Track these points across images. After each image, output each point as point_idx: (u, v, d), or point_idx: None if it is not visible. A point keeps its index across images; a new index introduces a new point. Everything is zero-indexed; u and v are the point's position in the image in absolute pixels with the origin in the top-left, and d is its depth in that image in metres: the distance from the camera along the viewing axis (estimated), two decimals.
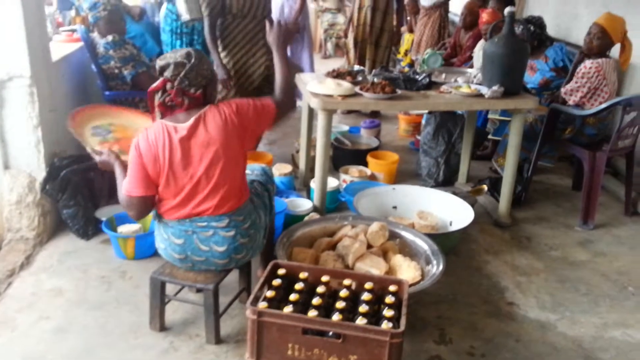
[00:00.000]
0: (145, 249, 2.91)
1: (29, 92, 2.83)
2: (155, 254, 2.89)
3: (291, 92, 2.39)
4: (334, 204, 3.57)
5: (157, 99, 2.19)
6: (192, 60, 2.16)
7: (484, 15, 4.80)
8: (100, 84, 3.31)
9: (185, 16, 3.74)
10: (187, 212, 2.19)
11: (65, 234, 3.11)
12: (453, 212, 3.19)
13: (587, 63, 3.45)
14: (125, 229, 2.95)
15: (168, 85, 2.16)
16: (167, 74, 2.16)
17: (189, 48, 2.29)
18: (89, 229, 3.08)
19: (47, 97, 2.95)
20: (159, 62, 2.21)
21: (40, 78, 2.88)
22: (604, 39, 3.45)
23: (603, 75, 3.41)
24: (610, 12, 3.59)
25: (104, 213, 3.13)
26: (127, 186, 2.17)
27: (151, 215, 3.02)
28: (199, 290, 2.57)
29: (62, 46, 3.47)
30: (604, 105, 3.34)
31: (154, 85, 2.19)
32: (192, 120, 2.14)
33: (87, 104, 3.59)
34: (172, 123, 2.15)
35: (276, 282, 2.03)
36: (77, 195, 3.06)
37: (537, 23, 4.21)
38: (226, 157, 2.15)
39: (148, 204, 2.22)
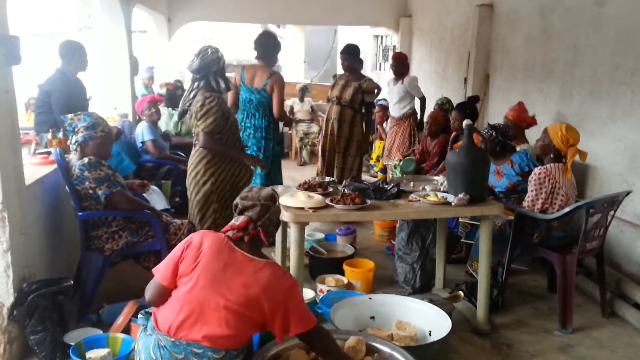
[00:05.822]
0: None
1: (0, 217, 2.83)
2: None
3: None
4: None
5: (233, 233, 2.23)
6: (276, 203, 2.27)
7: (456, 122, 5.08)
8: (74, 205, 3.32)
9: None
10: (189, 334, 2.14)
11: None
12: (431, 321, 3.14)
13: (536, 170, 3.58)
14: (93, 354, 2.84)
15: (250, 226, 2.22)
16: (252, 214, 2.23)
17: (272, 189, 2.36)
18: (57, 355, 2.96)
19: (18, 221, 2.94)
20: (242, 201, 2.28)
21: (12, 203, 2.88)
22: (548, 142, 3.61)
23: (554, 178, 3.52)
24: (560, 122, 3.77)
25: (72, 337, 3.02)
26: (159, 264, 2.24)
27: (120, 338, 2.98)
28: None
29: (36, 169, 3.52)
30: (567, 209, 3.41)
31: (237, 224, 2.24)
32: (253, 257, 2.18)
33: (59, 225, 3.60)
34: (239, 248, 2.20)
35: None
36: (46, 320, 2.97)
37: (500, 130, 4.42)
38: (252, 312, 2.14)
39: (161, 295, 2.22)
